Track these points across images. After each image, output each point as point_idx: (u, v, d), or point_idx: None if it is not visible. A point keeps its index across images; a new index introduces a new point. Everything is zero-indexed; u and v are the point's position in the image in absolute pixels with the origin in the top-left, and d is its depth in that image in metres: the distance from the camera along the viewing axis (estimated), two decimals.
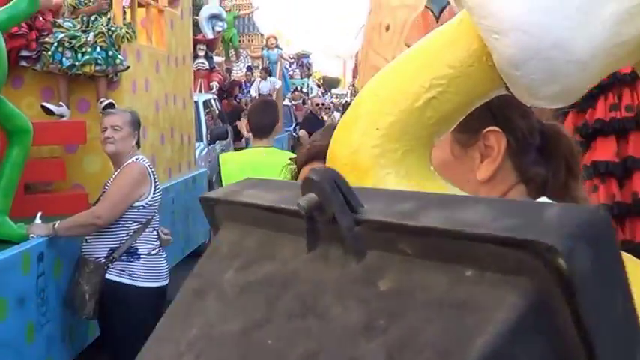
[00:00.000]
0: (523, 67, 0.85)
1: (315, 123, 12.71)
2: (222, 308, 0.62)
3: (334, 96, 31.84)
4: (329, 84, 35.00)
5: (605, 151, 3.39)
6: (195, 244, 8.03)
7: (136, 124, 4.63)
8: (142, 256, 4.40)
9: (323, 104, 16.29)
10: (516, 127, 1.26)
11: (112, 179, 4.55)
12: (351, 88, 37.26)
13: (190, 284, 0.68)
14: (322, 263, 0.57)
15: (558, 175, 1.30)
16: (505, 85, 0.95)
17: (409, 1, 4.79)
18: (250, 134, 5.20)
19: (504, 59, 0.87)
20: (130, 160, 4.49)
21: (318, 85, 29.55)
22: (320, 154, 2.05)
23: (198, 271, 0.69)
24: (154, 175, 4.55)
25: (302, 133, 11.64)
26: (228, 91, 15.56)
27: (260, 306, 0.57)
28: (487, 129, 1.22)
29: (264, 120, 4.99)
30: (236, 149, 13.09)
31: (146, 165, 4.53)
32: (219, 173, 5.24)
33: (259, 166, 4.67)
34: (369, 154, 0.94)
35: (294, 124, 16.74)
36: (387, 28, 5.04)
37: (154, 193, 4.51)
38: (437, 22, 3.75)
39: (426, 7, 3.82)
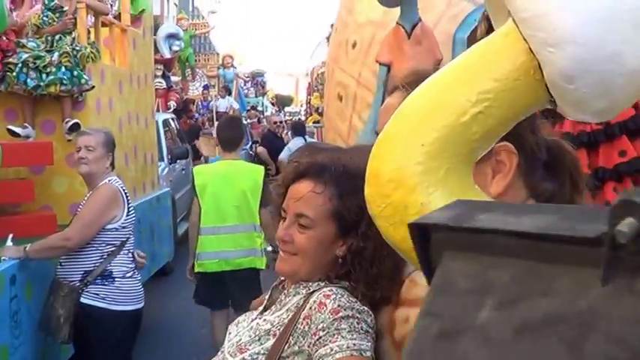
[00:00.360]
0: (577, 80, 0.85)
1: (273, 141, 12.69)
2: (493, 353, 0.54)
3: (287, 114, 31.78)
4: (282, 102, 34.92)
5: None
6: (160, 263, 7.96)
7: (110, 144, 4.54)
8: (116, 279, 4.32)
9: (281, 122, 16.27)
10: (526, 143, 1.27)
11: (84, 200, 4.48)
12: (304, 105, 37.27)
13: (428, 326, 0.60)
14: (628, 297, 0.48)
15: (564, 190, 1.32)
16: (550, 99, 0.95)
17: (376, 19, 4.82)
18: (219, 147, 5.90)
19: (558, 72, 0.87)
20: (103, 182, 4.40)
21: (272, 104, 29.50)
22: (309, 172, 2.02)
23: (433, 310, 0.62)
24: (126, 196, 4.47)
25: (261, 149, 11.64)
26: (183, 109, 15.44)
27: (558, 350, 0.49)
28: (499, 144, 1.21)
29: (232, 134, 5.54)
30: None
31: (119, 187, 4.44)
32: (193, 184, 5.60)
33: (230, 175, 5.43)
34: (413, 171, 0.92)
35: (250, 142, 16.67)
36: (354, 45, 5.06)
37: (127, 215, 4.42)
38: (408, 38, 3.77)
39: (397, 23, 3.86)
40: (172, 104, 14.43)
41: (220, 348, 2.09)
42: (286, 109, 34.58)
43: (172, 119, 12.63)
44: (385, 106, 1.79)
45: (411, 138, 0.93)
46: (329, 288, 1.90)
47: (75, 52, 5.89)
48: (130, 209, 4.47)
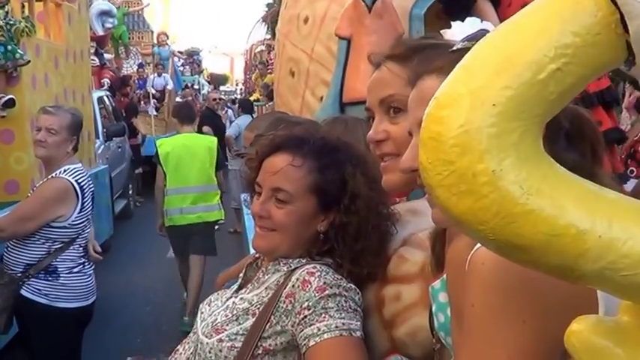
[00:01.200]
0: None
1: (213, 118, 12.42)
2: None
3: (222, 93, 31.37)
4: (217, 81, 34.43)
5: None
6: (98, 241, 7.67)
7: (75, 127, 4.09)
8: (61, 275, 3.98)
9: (220, 99, 15.97)
10: None
11: (36, 187, 4.12)
12: (239, 85, 36.82)
13: None
14: None
15: (585, 161, 1.23)
16: (627, 59, 0.82)
17: None
18: (177, 121, 7.16)
19: None
20: (59, 170, 3.99)
21: (208, 82, 29.06)
22: (286, 144, 1.90)
23: None
24: (82, 190, 4.02)
25: (207, 129, 11.41)
26: (119, 87, 15.02)
27: None
28: None
29: (188, 112, 7.24)
30: (132, 146, 12.71)
31: (72, 180, 3.98)
32: (157, 154, 6.74)
33: (189, 145, 6.75)
34: (484, 134, 0.79)
35: None
36: (306, 21, 4.90)
37: (79, 212, 4.00)
38: (369, 12, 3.63)
39: None
40: (106, 82, 14.06)
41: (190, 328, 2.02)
42: (221, 88, 34.14)
43: (107, 96, 12.32)
44: (378, 79, 1.60)
45: (480, 97, 0.80)
46: (312, 265, 1.81)
47: (8, 27, 5.59)
48: (85, 204, 4.04)
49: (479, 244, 1.06)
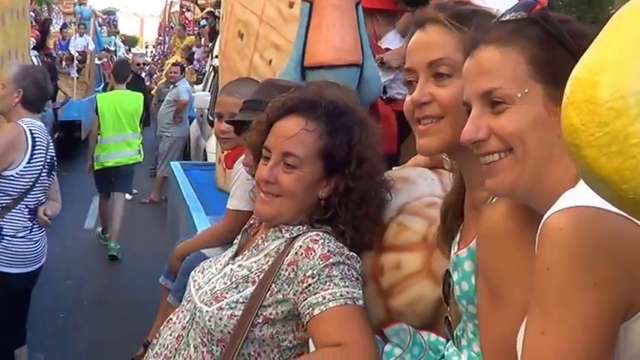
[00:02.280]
0: None
1: (138, 82, 12.00)
2: None
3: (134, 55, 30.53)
4: (128, 43, 33.57)
5: None
6: None
7: (23, 79, 3.86)
8: (5, 237, 3.75)
9: (144, 64, 15.49)
10: None
11: None
12: (150, 47, 35.93)
13: None
14: None
15: None
16: None
17: None
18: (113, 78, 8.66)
19: None
20: (14, 121, 3.81)
21: (124, 43, 28.24)
22: (298, 108, 1.83)
23: None
24: (34, 140, 3.81)
25: None
26: (41, 47, 14.36)
27: None
28: None
29: (122, 70, 8.59)
30: (54, 109, 12.25)
31: (27, 128, 3.80)
32: (96, 106, 8.00)
33: (121, 100, 8.02)
34: (637, 99, 0.81)
35: (103, 84, 15.67)
36: None
37: (28, 162, 3.78)
38: None
39: None
40: (32, 41, 13.35)
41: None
42: (132, 50, 33.21)
43: (36, 56, 11.72)
44: (425, 41, 1.54)
45: (633, 65, 0.82)
46: (315, 232, 1.76)
47: None
48: (35, 156, 3.82)
49: (548, 214, 1.07)
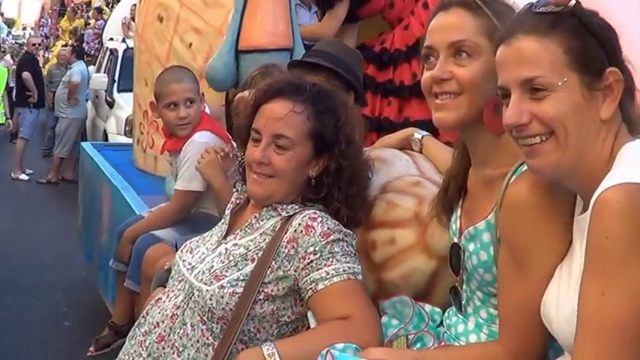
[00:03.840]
0: None
1: (32, 63, 11.35)
2: None
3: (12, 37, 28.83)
4: (7, 24, 31.68)
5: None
6: None
7: None
8: None
9: (39, 44, 14.63)
10: (625, 67, 1.28)
11: None
12: (28, 29, 34.09)
13: None
14: None
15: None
16: None
17: None
18: None
19: None
20: None
21: (7, 24, 26.63)
22: (285, 90, 1.82)
23: None
24: None
25: (26, 75, 10.43)
26: None
27: None
28: (608, 69, 1.24)
29: None
30: None
31: None
32: None
33: None
34: None
35: None
36: None
37: None
38: None
39: None
40: None
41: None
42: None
43: None
44: (448, 23, 1.56)
45: None
46: (312, 211, 1.76)
47: None
48: None
49: (600, 190, 1.14)
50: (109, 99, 8.99)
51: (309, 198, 1.82)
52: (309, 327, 1.74)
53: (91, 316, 4.58)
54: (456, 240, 1.62)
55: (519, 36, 1.27)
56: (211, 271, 1.74)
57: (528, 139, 1.26)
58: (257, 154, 1.78)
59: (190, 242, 1.93)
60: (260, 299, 1.69)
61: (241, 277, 1.71)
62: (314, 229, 1.69)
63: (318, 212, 1.75)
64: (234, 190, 2.03)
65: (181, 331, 1.74)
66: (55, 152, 10.01)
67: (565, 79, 1.22)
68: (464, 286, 1.60)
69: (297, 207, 1.79)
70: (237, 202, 1.95)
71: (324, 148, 1.80)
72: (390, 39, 3.59)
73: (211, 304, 1.69)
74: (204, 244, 1.88)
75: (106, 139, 8.38)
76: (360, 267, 1.71)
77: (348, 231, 1.74)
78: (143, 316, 1.87)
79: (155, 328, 1.79)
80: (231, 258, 1.75)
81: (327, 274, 1.65)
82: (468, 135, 1.58)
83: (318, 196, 1.82)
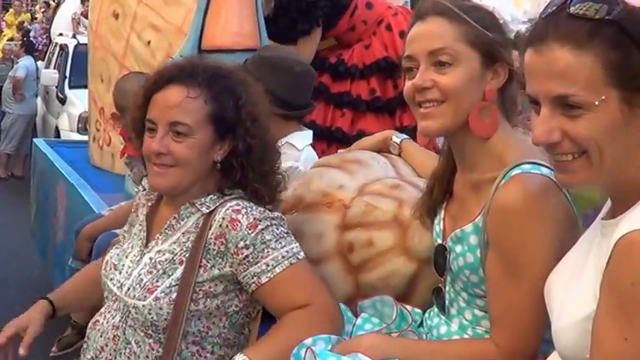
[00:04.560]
0: None
1: None
2: None
3: None
4: None
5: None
6: None
7: None
8: None
9: None
10: None
11: None
12: None
13: None
14: None
15: None
16: None
17: None
18: None
19: None
20: None
21: None
22: (176, 77, 1.73)
23: None
24: None
25: None
26: None
27: None
28: None
29: None
30: None
31: None
32: None
33: None
34: None
35: None
36: None
37: None
38: None
39: None
40: None
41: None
42: None
43: None
44: (426, 31, 1.54)
45: None
46: (235, 202, 1.69)
47: None
48: None
49: (627, 229, 1.05)
50: (60, 95, 8.79)
51: (227, 186, 1.75)
52: (262, 310, 1.71)
53: None
54: (440, 241, 1.61)
55: (552, 43, 1.12)
56: (142, 285, 1.67)
57: (559, 155, 1.15)
58: (154, 144, 1.69)
59: (111, 258, 1.82)
60: (200, 298, 1.64)
61: (174, 283, 1.65)
62: (239, 222, 1.63)
63: (240, 203, 1.68)
64: (140, 188, 1.93)
65: (127, 351, 1.68)
66: (0, 148, 9.74)
67: (603, 97, 1.09)
68: (447, 287, 1.59)
69: (216, 199, 1.72)
70: (149, 204, 1.86)
71: (227, 129, 1.73)
72: (349, 54, 3.52)
73: (151, 317, 1.63)
74: (126, 257, 1.79)
75: (58, 135, 8.18)
76: (297, 244, 1.67)
77: (275, 214, 1.70)
78: (85, 341, 1.79)
79: (101, 352, 1.72)
80: (159, 267, 1.69)
81: (268, 265, 1.61)
82: (454, 140, 1.56)
83: (233, 181, 1.74)
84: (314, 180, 1.95)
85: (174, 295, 1.63)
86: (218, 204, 1.69)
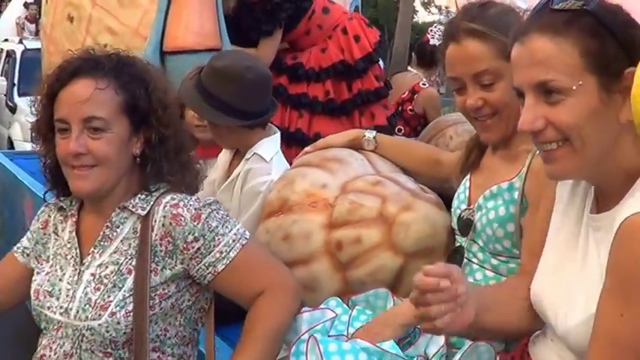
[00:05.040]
0: None
1: None
2: None
3: None
4: None
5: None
6: None
7: None
8: None
9: None
10: None
11: None
12: None
13: None
14: None
15: None
16: None
17: None
18: None
19: None
20: None
21: None
22: (80, 70, 1.59)
23: None
24: None
25: None
26: None
27: None
28: (627, 70, 1.14)
29: None
30: None
31: None
32: None
33: None
34: None
35: None
36: None
37: None
38: None
39: None
40: None
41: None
42: None
43: None
44: (465, 55, 1.68)
45: None
46: (169, 197, 1.60)
47: None
48: None
49: (630, 212, 1.08)
50: (10, 104, 8.55)
51: (150, 181, 1.65)
52: (214, 297, 1.68)
53: (15, 330, 4.37)
54: (464, 207, 1.77)
55: (533, 35, 1.19)
56: (92, 304, 1.55)
57: (544, 145, 1.20)
58: (71, 145, 1.55)
59: (40, 286, 1.65)
60: (155, 303, 1.57)
61: (127, 294, 1.55)
62: (182, 216, 1.56)
63: (175, 197, 1.60)
64: (45, 205, 1.77)
65: None
66: None
67: (580, 83, 1.15)
68: (468, 246, 1.74)
69: (147, 198, 1.62)
70: (73, 219, 1.69)
71: (141, 119, 1.62)
72: (306, 57, 3.53)
73: (110, 335, 1.54)
74: (60, 280, 1.63)
75: (11, 146, 7.96)
76: (239, 223, 1.64)
77: (209, 199, 1.64)
78: None
79: None
80: (106, 281, 1.57)
81: (221, 253, 1.57)
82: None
83: (155, 175, 1.64)
84: (297, 180, 1.97)
85: (130, 307, 1.54)
86: (152, 203, 1.61)
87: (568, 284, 1.25)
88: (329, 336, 1.51)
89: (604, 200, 1.21)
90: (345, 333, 1.55)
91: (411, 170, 2.08)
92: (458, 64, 1.67)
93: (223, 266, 1.56)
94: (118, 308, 1.54)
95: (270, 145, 2.32)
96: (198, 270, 1.57)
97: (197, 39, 3.32)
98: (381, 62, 3.87)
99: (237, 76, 2.25)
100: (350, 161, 2.00)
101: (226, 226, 1.59)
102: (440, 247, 1.79)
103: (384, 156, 2.07)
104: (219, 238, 1.57)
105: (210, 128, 2.38)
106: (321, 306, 1.65)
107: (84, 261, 1.62)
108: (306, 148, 2.18)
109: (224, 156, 2.49)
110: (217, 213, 1.59)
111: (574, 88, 1.15)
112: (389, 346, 1.46)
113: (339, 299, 1.70)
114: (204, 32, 3.34)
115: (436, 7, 23.74)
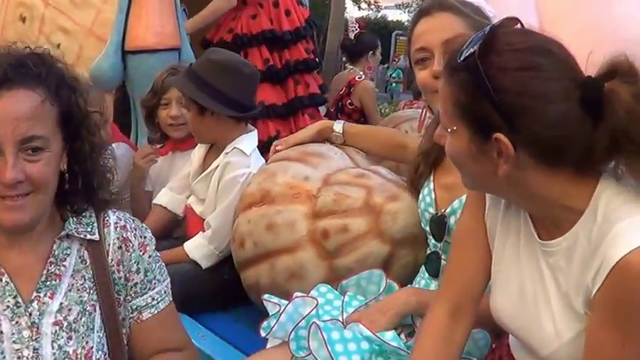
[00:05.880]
0: None
1: None
2: None
3: None
4: None
5: None
6: None
7: None
8: None
9: None
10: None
11: None
12: None
13: None
14: None
15: None
16: None
17: None
18: None
19: None
20: None
21: None
22: (9, 77, 1.27)
23: None
24: None
25: None
26: None
27: None
28: (495, 135, 1.10)
29: None
30: None
31: None
32: None
33: None
34: None
35: None
36: None
37: None
38: None
39: None
40: None
41: None
42: None
43: None
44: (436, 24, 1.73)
45: None
46: (115, 217, 1.43)
47: None
48: None
49: (623, 252, 1.07)
50: None
51: (77, 201, 1.40)
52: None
53: None
54: (432, 211, 1.73)
55: (443, 71, 1.21)
56: (72, 354, 1.33)
57: None
58: (8, 173, 1.24)
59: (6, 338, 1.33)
60: (125, 332, 1.44)
61: (101, 334, 1.38)
62: (130, 241, 1.42)
63: (119, 215, 1.44)
64: None
65: None
66: None
67: (455, 128, 1.16)
68: (444, 254, 1.70)
69: (85, 220, 1.41)
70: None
71: (72, 131, 1.35)
72: (238, 25, 3.76)
73: None
74: (10, 340, 1.31)
75: None
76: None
77: (143, 226, 1.48)
78: None
79: None
80: (74, 326, 1.35)
81: (153, 299, 1.45)
82: None
83: (82, 192, 1.39)
84: (278, 173, 2.00)
85: (105, 347, 1.38)
86: (98, 225, 1.41)
87: (532, 310, 1.25)
88: (323, 321, 1.54)
89: (544, 228, 1.22)
90: (340, 319, 1.59)
91: (377, 155, 2.14)
92: (428, 32, 1.70)
93: (149, 315, 1.45)
94: (100, 353, 1.37)
95: (249, 141, 2.38)
96: (124, 309, 1.42)
97: (158, 38, 3.33)
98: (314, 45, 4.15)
99: (235, 68, 2.34)
100: (330, 155, 2.05)
101: (160, 272, 1.48)
102: (423, 235, 1.83)
103: (351, 144, 2.13)
104: (154, 283, 1.45)
105: (192, 120, 2.40)
106: (312, 292, 1.69)
107: (29, 310, 1.32)
108: (277, 147, 2.20)
109: (198, 151, 2.52)
110: (154, 248, 1.47)
111: (448, 130, 1.18)
112: (390, 337, 1.49)
113: (329, 285, 1.73)
114: (165, 32, 3.36)
115: (365, 2, 23.75)
